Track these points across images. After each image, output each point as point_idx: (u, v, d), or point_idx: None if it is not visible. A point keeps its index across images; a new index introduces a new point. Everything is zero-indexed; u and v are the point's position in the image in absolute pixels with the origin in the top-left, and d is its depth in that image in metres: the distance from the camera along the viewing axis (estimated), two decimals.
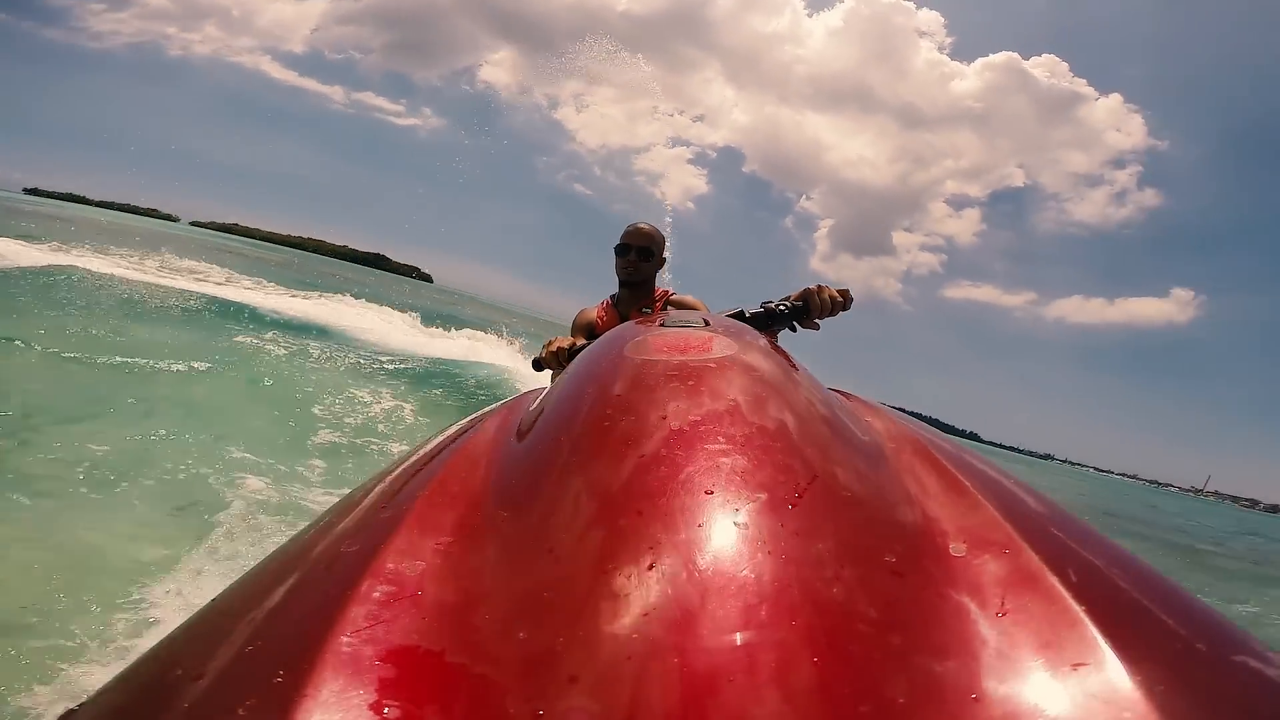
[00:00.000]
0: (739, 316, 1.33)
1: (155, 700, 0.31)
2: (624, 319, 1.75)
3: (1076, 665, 0.28)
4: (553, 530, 0.38)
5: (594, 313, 1.97)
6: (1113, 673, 0.27)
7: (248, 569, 0.42)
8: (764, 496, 0.38)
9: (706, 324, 0.75)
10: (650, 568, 0.33)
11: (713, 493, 0.38)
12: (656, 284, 2.00)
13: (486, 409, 0.72)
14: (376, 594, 0.34)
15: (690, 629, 0.29)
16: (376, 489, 0.50)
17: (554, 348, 1.52)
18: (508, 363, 10.10)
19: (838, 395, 0.67)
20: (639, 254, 1.87)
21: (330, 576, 0.37)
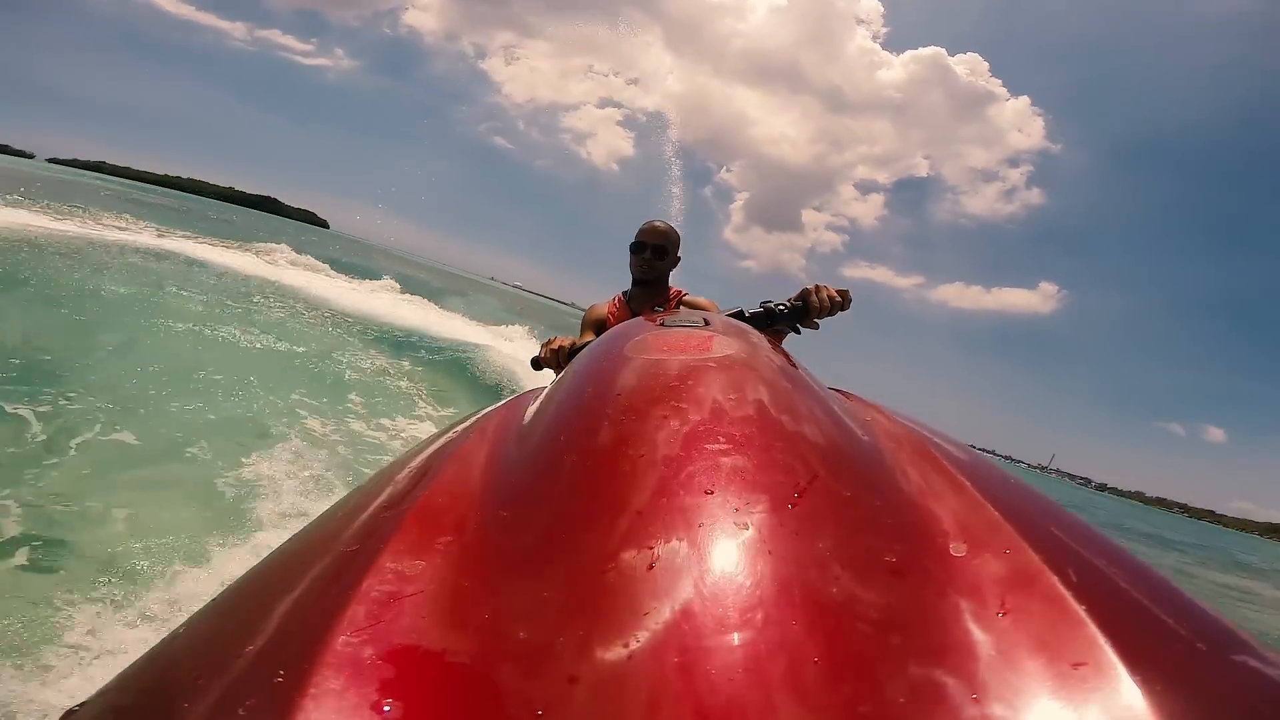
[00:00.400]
0: (739, 316, 1.34)
1: (155, 700, 0.31)
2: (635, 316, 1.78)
3: (1076, 665, 0.28)
4: (553, 530, 0.38)
5: (604, 309, 1.95)
6: (1112, 673, 0.27)
7: (248, 569, 0.42)
8: (764, 496, 0.38)
9: (706, 324, 0.75)
10: (650, 568, 0.33)
11: (713, 493, 0.38)
12: (670, 283, 1.96)
13: (487, 408, 0.72)
14: (376, 594, 0.34)
15: (691, 629, 0.29)
16: (377, 489, 0.50)
17: (554, 346, 1.52)
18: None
19: (838, 395, 0.67)
20: (654, 252, 1.83)
21: (330, 576, 0.37)
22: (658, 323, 0.78)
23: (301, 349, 5.95)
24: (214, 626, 0.36)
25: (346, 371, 5.63)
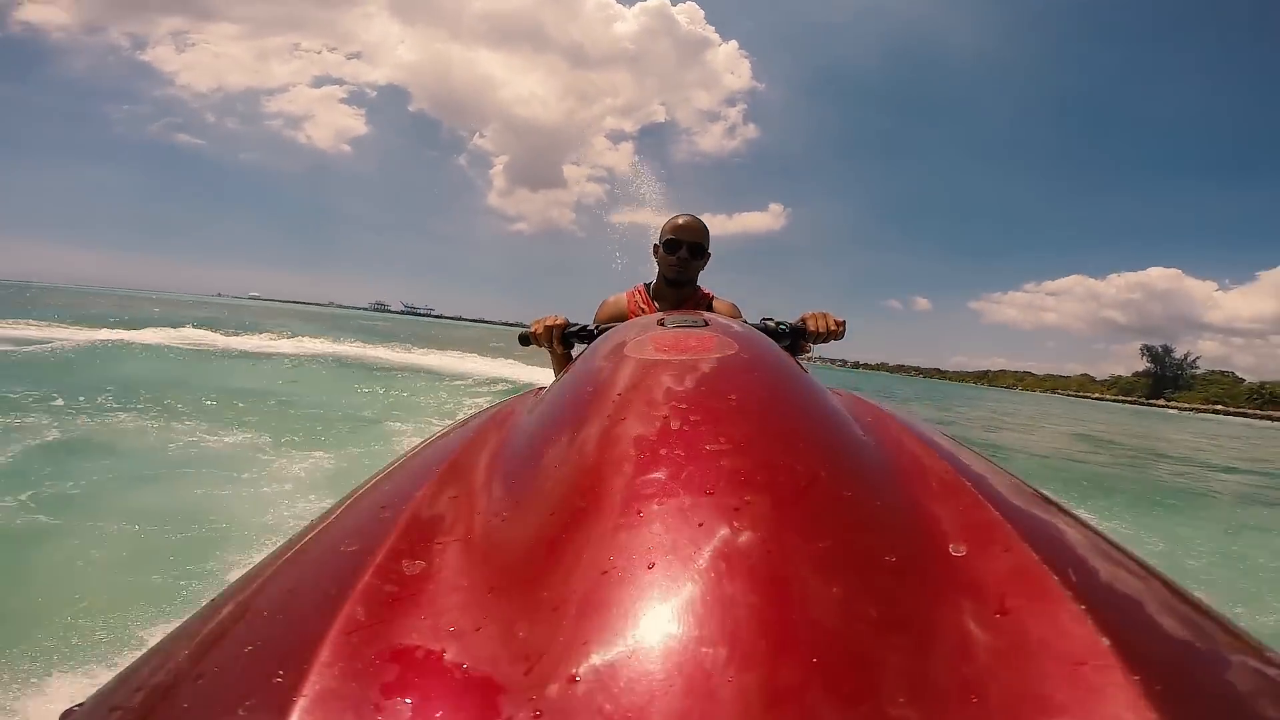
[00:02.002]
0: None
1: (155, 700, 0.30)
2: None
3: (1077, 665, 0.28)
4: (552, 531, 0.38)
5: (625, 304, 1.79)
6: (1113, 672, 0.27)
7: (248, 569, 0.41)
8: (764, 497, 0.37)
9: (707, 324, 0.75)
10: (651, 567, 0.33)
11: (713, 493, 0.37)
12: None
13: (487, 408, 0.71)
14: (376, 594, 0.34)
15: (690, 629, 0.29)
16: (376, 488, 0.50)
17: (547, 323, 1.49)
18: None
19: (838, 395, 0.66)
20: (691, 251, 1.69)
21: (330, 576, 0.37)
22: (658, 322, 0.78)
23: None
24: (214, 626, 0.36)
25: None
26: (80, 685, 1.78)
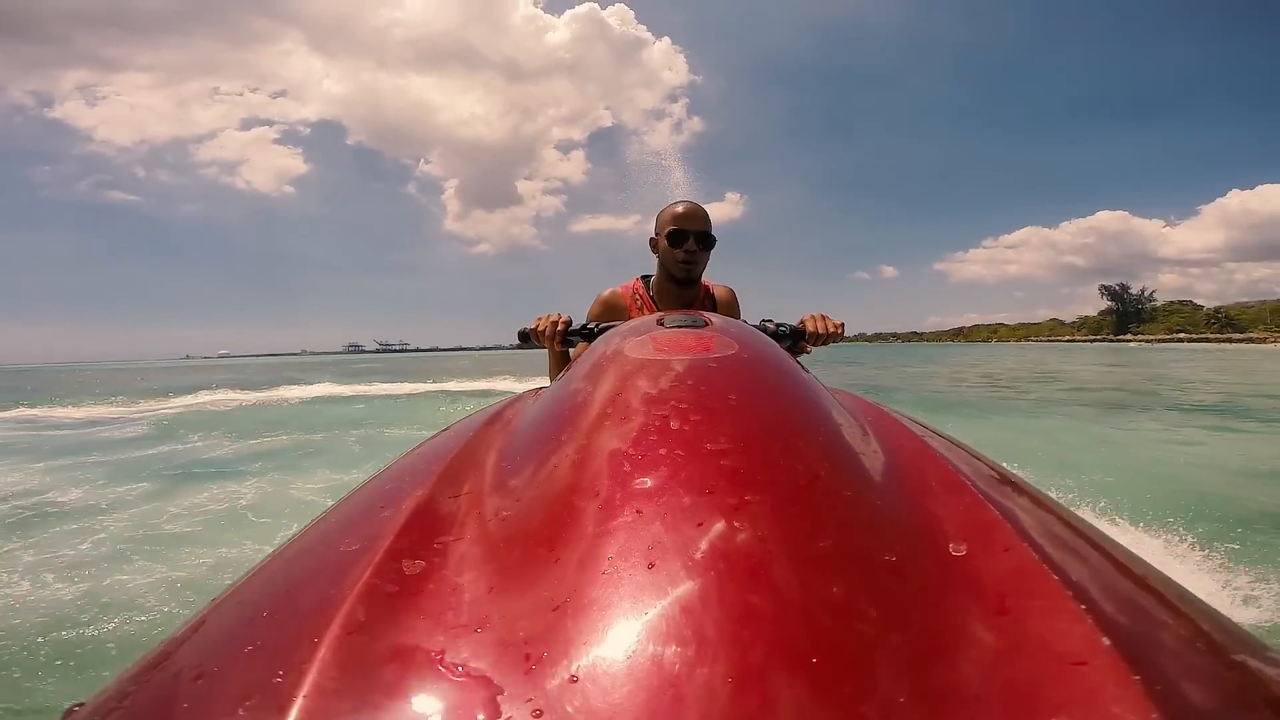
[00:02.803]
0: None
1: (156, 699, 0.31)
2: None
3: (1077, 664, 0.28)
4: (553, 530, 0.38)
5: (622, 300, 1.61)
6: (1113, 672, 0.27)
7: (249, 568, 0.41)
8: (764, 496, 0.37)
9: (708, 323, 0.75)
10: (651, 567, 0.33)
11: (713, 493, 0.37)
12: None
13: (487, 408, 0.71)
14: (376, 594, 0.34)
15: (690, 628, 0.29)
16: (377, 488, 0.50)
17: (549, 321, 1.42)
18: None
19: (839, 395, 0.66)
20: (699, 241, 1.47)
21: (330, 576, 0.37)
22: (658, 322, 0.77)
23: None
24: (214, 626, 0.36)
25: None
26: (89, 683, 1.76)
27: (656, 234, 1.54)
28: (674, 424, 0.45)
